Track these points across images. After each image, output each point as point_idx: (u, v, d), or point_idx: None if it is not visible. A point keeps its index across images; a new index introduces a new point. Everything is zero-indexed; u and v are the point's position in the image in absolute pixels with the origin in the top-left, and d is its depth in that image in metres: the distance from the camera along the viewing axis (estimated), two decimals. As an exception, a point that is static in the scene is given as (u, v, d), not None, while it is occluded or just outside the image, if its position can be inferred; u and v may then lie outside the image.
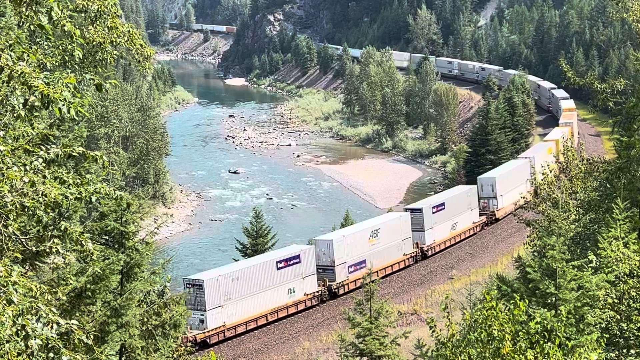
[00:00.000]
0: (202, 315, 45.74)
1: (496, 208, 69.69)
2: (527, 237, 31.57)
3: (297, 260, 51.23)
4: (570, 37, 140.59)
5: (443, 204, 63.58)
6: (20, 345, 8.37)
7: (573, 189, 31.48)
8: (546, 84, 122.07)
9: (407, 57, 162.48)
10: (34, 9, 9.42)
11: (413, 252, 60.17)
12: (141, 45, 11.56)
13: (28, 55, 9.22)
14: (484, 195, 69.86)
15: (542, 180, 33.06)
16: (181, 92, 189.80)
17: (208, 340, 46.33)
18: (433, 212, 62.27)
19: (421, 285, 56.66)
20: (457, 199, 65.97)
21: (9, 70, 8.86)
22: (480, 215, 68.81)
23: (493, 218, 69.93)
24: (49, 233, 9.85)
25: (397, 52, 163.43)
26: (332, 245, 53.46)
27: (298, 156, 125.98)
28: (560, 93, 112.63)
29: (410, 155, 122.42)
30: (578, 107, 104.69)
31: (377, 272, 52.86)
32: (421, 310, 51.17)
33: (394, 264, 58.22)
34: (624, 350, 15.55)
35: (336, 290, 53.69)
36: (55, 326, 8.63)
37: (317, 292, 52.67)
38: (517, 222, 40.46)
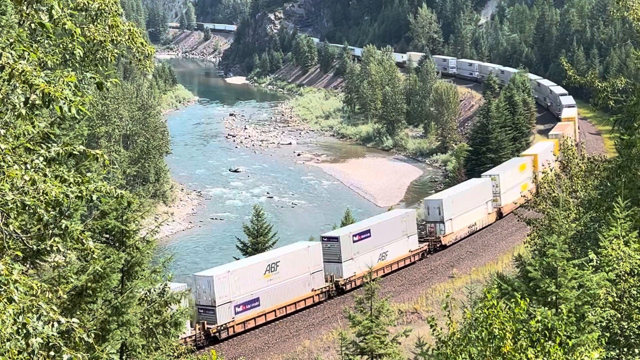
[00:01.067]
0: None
1: (443, 233, 62.71)
2: (528, 235, 31.57)
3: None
4: (571, 36, 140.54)
5: (368, 231, 56.20)
6: (21, 343, 8.37)
7: (573, 187, 31.48)
8: (545, 82, 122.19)
9: (406, 56, 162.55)
10: (34, 7, 9.42)
11: (325, 287, 53.32)
12: (142, 43, 11.55)
13: (29, 54, 9.22)
14: (430, 219, 63.29)
15: (542, 178, 33.06)
16: (182, 91, 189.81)
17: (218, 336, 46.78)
18: (354, 241, 55.10)
19: (422, 284, 56.68)
20: (388, 225, 58.57)
21: (9, 69, 8.87)
22: (423, 241, 61.75)
23: (438, 245, 62.71)
24: (50, 231, 9.85)
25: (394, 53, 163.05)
26: (212, 282, 46.95)
27: (299, 155, 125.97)
28: (558, 89, 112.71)
29: (410, 154, 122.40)
30: (579, 106, 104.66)
31: (274, 311, 49.65)
32: (422, 308, 51.19)
33: (299, 301, 51.67)
34: (625, 349, 15.55)
35: (216, 334, 47.26)
36: (56, 324, 8.64)
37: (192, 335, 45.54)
38: (518, 220, 40.47)
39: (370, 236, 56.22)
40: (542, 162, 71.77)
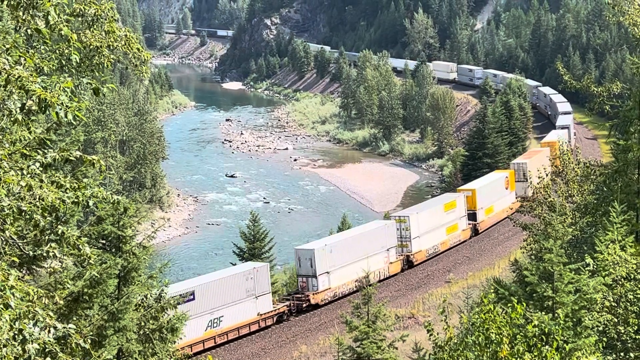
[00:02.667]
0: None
1: (315, 290, 52.64)
2: (524, 240, 31.59)
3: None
4: (566, 41, 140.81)
5: (193, 292, 45.39)
6: (17, 349, 8.36)
7: (569, 192, 31.51)
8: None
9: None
10: (31, 13, 9.42)
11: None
12: (138, 49, 11.55)
13: (25, 60, 9.22)
14: (302, 273, 53.43)
15: (537, 183, 33.10)
16: (178, 96, 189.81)
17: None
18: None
19: (418, 289, 56.68)
20: (225, 284, 48.20)
21: (6, 75, 8.87)
22: (284, 300, 52.71)
23: (304, 305, 52.46)
24: (46, 237, 9.85)
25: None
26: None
27: (295, 160, 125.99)
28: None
29: (407, 159, 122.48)
30: (575, 110, 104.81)
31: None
32: (419, 313, 51.18)
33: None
34: (622, 354, 15.55)
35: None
36: (52, 330, 8.63)
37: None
38: (514, 225, 40.49)
39: (194, 299, 45.20)
40: (481, 199, 67.44)
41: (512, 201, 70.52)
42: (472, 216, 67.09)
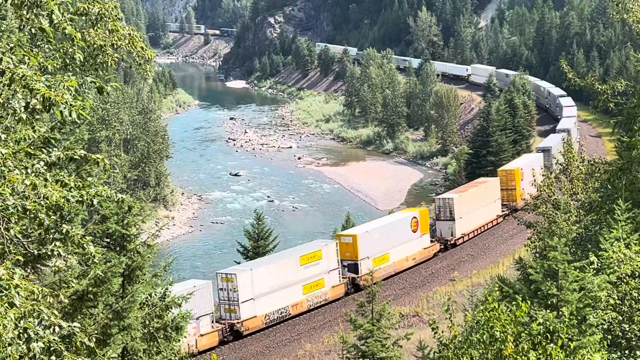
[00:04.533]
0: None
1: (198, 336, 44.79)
2: (528, 239, 31.57)
3: None
4: (570, 39, 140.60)
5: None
6: (22, 348, 8.37)
7: (574, 190, 31.48)
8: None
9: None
10: (34, 12, 9.43)
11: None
12: (142, 48, 11.56)
13: (29, 59, 9.23)
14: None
15: (541, 182, 33.06)
16: (182, 95, 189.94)
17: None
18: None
19: (423, 287, 56.64)
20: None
21: (10, 74, 8.88)
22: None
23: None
24: (51, 236, 9.86)
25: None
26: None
27: (299, 158, 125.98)
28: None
29: (411, 157, 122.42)
30: (579, 108, 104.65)
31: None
32: (423, 312, 51.15)
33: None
34: (627, 352, 15.53)
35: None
36: (57, 329, 8.64)
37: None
38: (518, 224, 40.45)
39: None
40: (367, 246, 54.93)
41: (423, 246, 60.34)
42: (353, 267, 54.73)
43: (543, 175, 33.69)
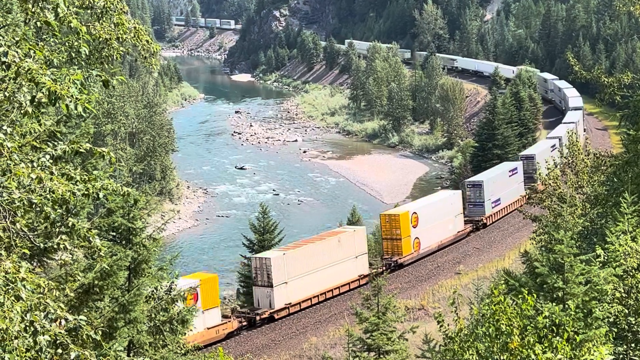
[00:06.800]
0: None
1: None
2: (534, 232, 31.54)
3: None
4: (576, 31, 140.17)
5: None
6: (28, 341, 8.40)
7: (579, 183, 31.44)
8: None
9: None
10: (40, 5, 9.43)
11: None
12: (147, 41, 11.55)
13: (35, 52, 9.23)
14: None
15: (547, 175, 33.03)
16: (187, 89, 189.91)
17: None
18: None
19: (428, 280, 56.66)
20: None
21: (16, 67, 8.88)
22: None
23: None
24: (57, 229, 9.87)
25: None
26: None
27: (304, 152, 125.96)
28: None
29: (417, 151, 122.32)
30: (585, 101, 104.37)
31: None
32: (429, 305, 51.18)
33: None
34: (633, 345, 15.52)
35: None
36: (63, 322, 8.66)
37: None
38: (524, 217, 40.42)
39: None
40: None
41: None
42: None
43: (548, 169, 33.65)
